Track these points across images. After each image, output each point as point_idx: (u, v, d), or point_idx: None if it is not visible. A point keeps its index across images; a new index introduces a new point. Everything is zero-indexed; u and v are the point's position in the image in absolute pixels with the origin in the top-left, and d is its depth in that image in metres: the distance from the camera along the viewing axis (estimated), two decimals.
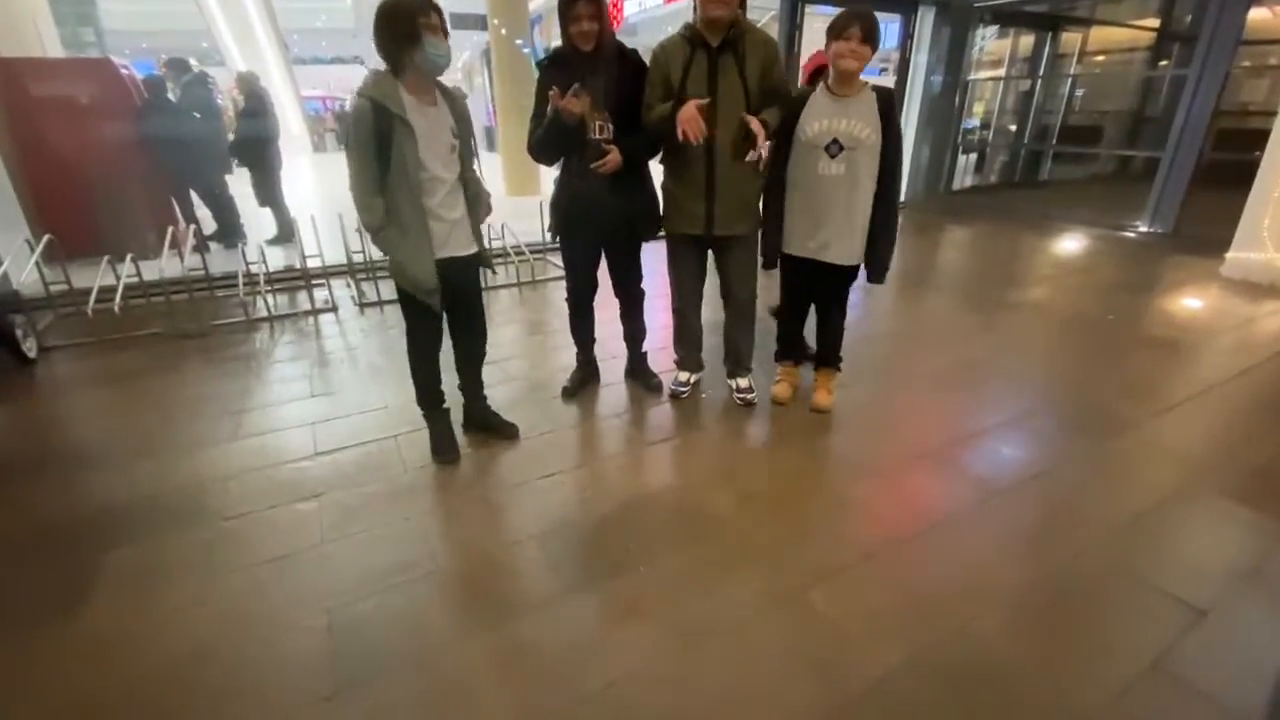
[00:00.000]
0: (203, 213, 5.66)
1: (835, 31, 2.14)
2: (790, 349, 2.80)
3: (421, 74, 1.90)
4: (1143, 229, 6.09)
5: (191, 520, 2.04)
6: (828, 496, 2.21)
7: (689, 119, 2.15)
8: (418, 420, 2.52)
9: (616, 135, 2.33)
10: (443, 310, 2.16)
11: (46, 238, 3.77)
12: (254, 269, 4.24)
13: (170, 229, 4.32)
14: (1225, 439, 2.60)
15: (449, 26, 1.97)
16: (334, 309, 4.13)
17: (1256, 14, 6.89)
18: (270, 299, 4.13)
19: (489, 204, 2.23)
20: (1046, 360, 3.40)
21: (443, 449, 2.36)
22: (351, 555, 1.88)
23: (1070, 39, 9.10)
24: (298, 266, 4.42)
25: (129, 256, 3.84)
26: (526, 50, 9.40)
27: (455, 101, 2.06)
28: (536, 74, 2.41)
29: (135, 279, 3.85)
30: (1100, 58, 10.08)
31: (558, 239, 2.65)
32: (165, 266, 4.03)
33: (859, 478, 2.32)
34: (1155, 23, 9.66)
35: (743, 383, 2.81)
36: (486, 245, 2.28)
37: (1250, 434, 2.62)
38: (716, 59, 2.23)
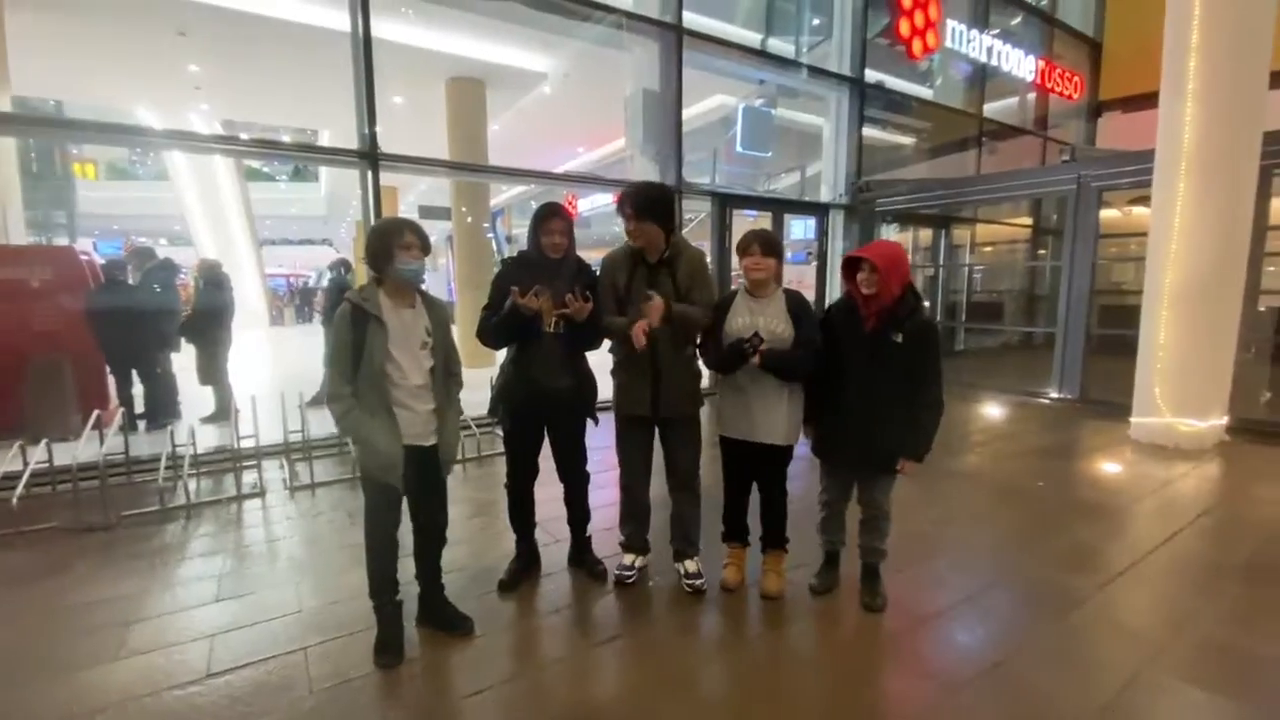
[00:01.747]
0: (137, 389, 5.51)
1: (741, 250, 2.48)
2: (735, 529, 2.76)
3: (398, 283, 2.13)
4: (1054, 395, 6.61)
5: None
6: (784, 704, 2.03)
7: (638, 332, 2.38)
8: (333, 627, 2.28)
9: (570, 330, 2.50)
10: (403, 492, 2.18)
11: None
12: (181, 450, 4.03)
13: (96, 411, 4.15)
14: (1169, 612, 2.61)
15: (428, 242, 2.21)
16: (261, 494, 3.90)
17: (1110, 214, 8.31)
18: (193, 484, 3.88)
19: (460, 409, 2.37)
20: (989, 531, 3.45)
21: (387, 650, 2.19)
22: None
23: (961, 233, 10.58)
24: (230, 447, 4.24)
25: (44, 441, 3.62)
26: (489, 236, 10.24)
27: (434, 308, 2.25)
28: (498, 259, 2.65)
29: (45, 464, 3.59)
30: (988, 248, 11.69)
31: (500, 423, 2.69)
32: (81, 451, 3.79)
33: (817, 678, 2.18)
34: (1029, 220, 11.42)
35: (691, 567, 2.72)
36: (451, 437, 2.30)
37: (1191, 605, 2.64)
38: (655, 271, 2.53)
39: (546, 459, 2.73)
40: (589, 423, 2.75)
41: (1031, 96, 11.21)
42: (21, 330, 4.84)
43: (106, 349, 5.20)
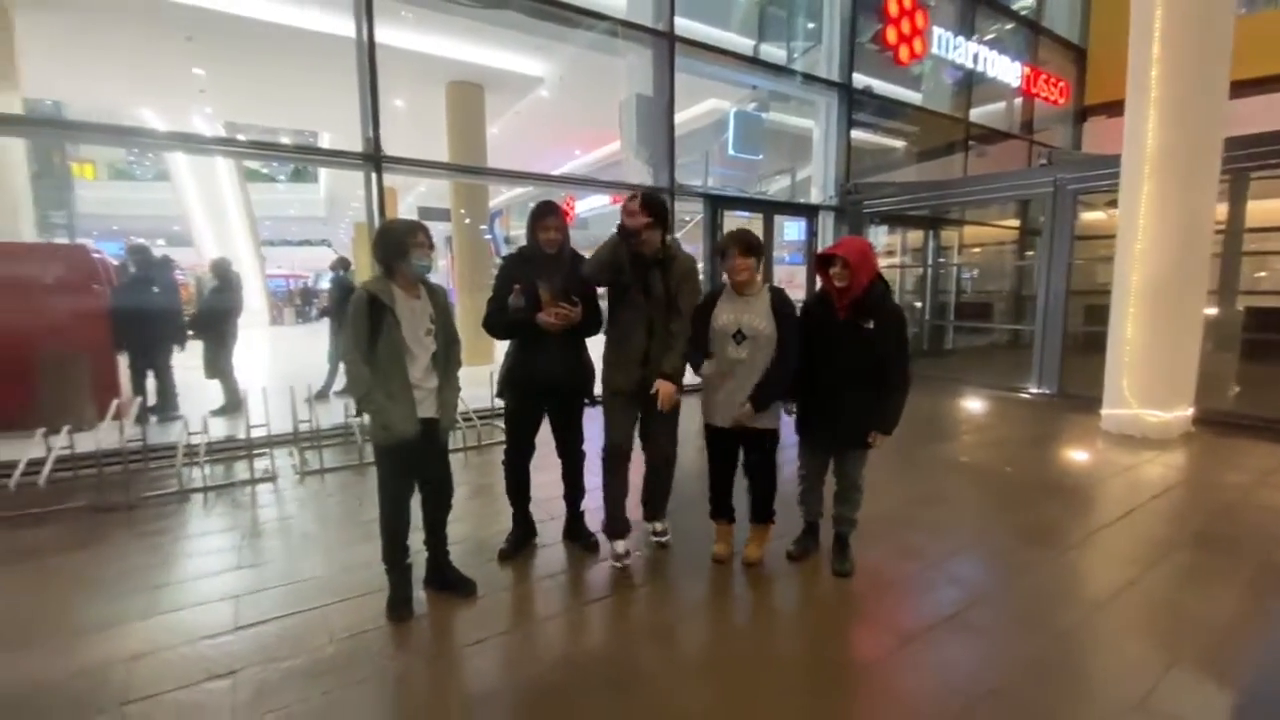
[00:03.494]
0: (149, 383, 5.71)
1: (721, 253, 2.68)
2: (721, 508, 2.96)
3: (408, 277, 2.36)
4: (1033, 390, 6.86)
5: (89, 707, 1.91)
6: (761, 656, 2.26)
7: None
8: (348, 589, 2.50)
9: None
10: (412, 459, 2.39)
11: None
12: (194, 440, 4.25)
13: (115, 401, 4.35)
14: (1115, 576, 2.83)
15: (431, 239, 2.44)
16: (273, 479, 4.11)
17: (1094, 216, 8.58)
18: (207, 469, 4.10)
19: (458, 384, 2.58)
20: (959, 510, 3.67)
21: (398, 607, 2.43)
22: None
23: (949, 235, 10.83)
24: (240, 437, 4.45)
25: (65, 429, 3.82)
26: (488, 237, 10.45)
27: (436, 294, 2.50)
28: (497, 260, 2.88)
29: (68, 450, 3.80)
30: (976, 250, 11.94)
31: (503, 404, 2.94)
32: (102, 438, 4.00)
33: (790, 634, 2.42)
34: (1017, 222, 11.68)
35: (659, 526, 3.05)
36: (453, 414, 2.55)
37: (1136, 571, 2.86)
38: (650, 270, 2.74)
39: (543, 442, 2.95)
40: (587, 407, 2.97)
41: (1018, 101, 11.47)
42: (34, 325, 5.03)
43: (128, 345, 5.40)
